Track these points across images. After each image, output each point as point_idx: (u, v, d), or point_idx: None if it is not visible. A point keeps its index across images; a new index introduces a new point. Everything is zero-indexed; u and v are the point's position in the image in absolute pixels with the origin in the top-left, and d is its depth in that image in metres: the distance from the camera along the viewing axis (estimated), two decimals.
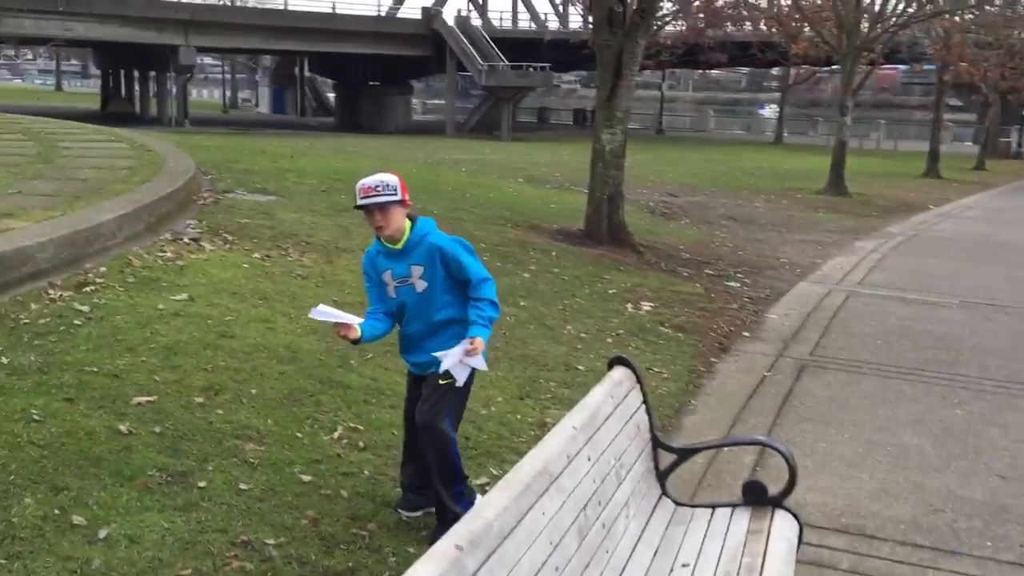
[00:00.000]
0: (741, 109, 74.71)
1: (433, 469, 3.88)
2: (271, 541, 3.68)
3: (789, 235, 14.58)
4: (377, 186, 3.66)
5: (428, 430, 3.84)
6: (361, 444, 4.74)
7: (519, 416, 5.51)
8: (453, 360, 3.77)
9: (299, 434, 4.72)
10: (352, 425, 4.93)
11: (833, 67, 31.45)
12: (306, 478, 4.27)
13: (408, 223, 3.79)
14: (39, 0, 38.75)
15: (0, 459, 3.84)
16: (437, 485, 3.89)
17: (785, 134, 47.15)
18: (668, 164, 26.56)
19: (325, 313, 3.64)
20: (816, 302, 9.44)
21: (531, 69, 46.75)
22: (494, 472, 4.69)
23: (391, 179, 3.71)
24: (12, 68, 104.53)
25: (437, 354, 3.79)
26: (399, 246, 3.78)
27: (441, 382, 3.83)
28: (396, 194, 3.68)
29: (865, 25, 21.69)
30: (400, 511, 4.08)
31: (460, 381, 3.81)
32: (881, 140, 45.00)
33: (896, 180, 26.61)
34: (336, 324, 3.68)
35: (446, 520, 3.76)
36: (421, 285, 3.80)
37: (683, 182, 21.54)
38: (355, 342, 3.76)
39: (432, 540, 3.68)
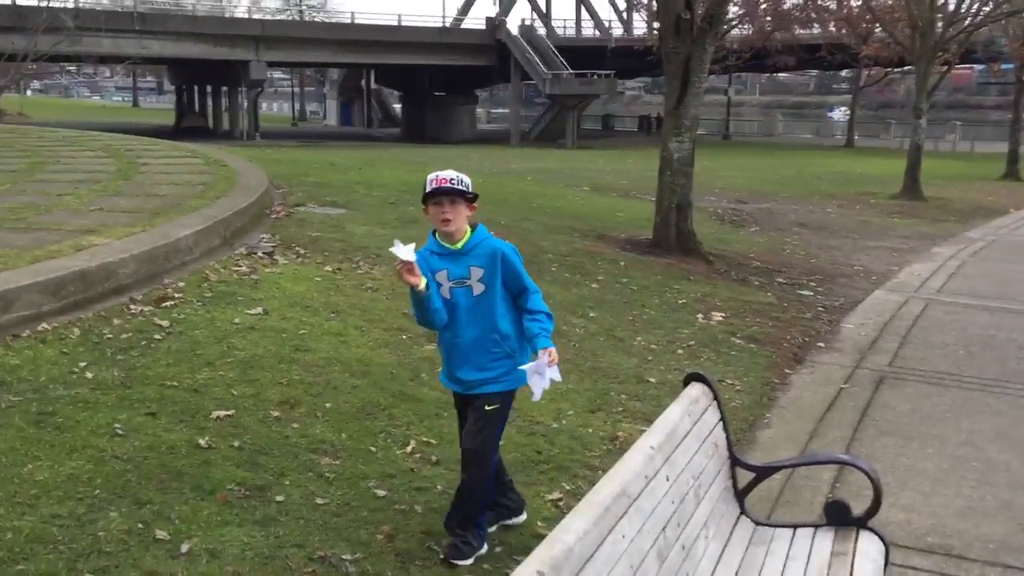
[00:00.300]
0: (810, 112, 73.52)
1: (468, 493, 3.84)
2: (348, 556, 3.71)
3: (863, 241, 14.26)
4: (452, 179, 3.59)
5: (478, 457, 3.79)
6: (434, 458, 4.75)
7: (590, 430, 5.47)
8: (539, 371, 3.59)
9: (373, 448, 4.76)
10: (425, 439, 4.95)
11: (906, 68, 30.78)
12: (381, 493, 4.29)
13: (468, 227, 3.72)
14: (117, 19, 40.11)
15: (86, 473, 3.94)
16: (469, 506, 3.85)
17: (856, 137, 46.23)
18: (736, 170, 26.23)
19: (401, 250, 3.42)
20: (893, 311, 9.20)
21: (595, 76, 46.69)
22: (566, 487, 4.67)
23: (465, 176, 3.66)
24: (91, 85, 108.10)
25: (523, 366, 3.62)
26: (459, 246, 3.69)
27: (488, 408, 3.76)
28: (468, 190, 3.62)
29: (940, 25, 21.15)
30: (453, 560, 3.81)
31: (537, 396, 3.68)
32: (957, 142, 43.82)
33: (973, 183, 25.85)
34: (404, 262, 3.44)
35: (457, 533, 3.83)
36: (479, 288, 3.70)
37: (752, 188, 21.23)
38: (418, 297, 3.56)
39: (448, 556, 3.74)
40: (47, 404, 4.50)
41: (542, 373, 3.59)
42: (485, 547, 3.89)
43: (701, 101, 11.35)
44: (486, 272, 3.69)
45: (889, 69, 37.57)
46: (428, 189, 3.59)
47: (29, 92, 78.89)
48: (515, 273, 3.73)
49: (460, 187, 3.59)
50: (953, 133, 44.65)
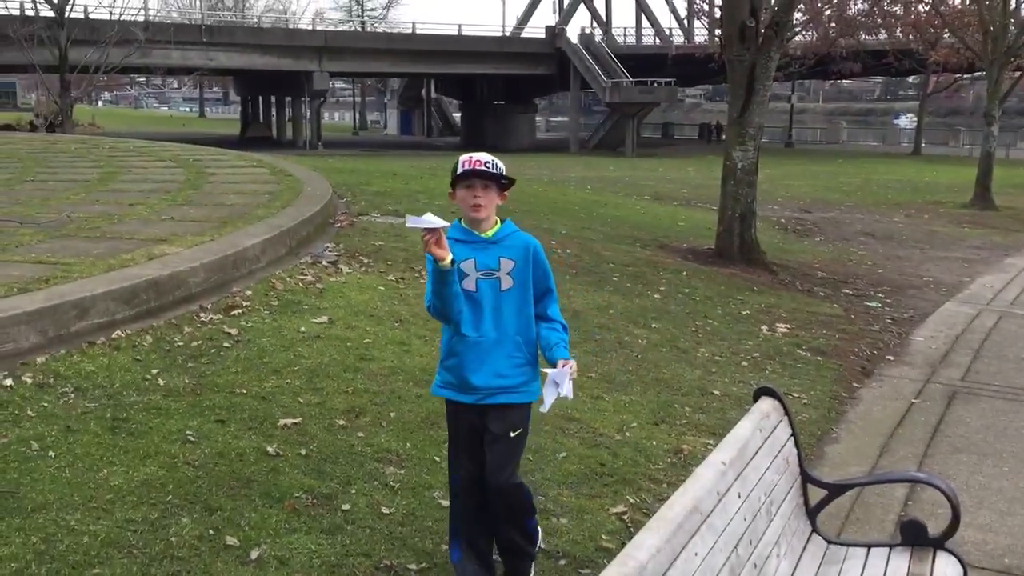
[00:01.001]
0: (875, 119, 72.20)
1: (510, 524, 3.57)
2: (413, 567, 3.72)
3: (932, 252, 13.93)
4: (488, 162, 3.29)
5: (513, 493, 3.50)
6: None
7: (654, 442, 5.42)
8: (557, 380, 3.30)
9: (437, 458, 4.77)
10: None
11: (976, 74, 30.01)
12: (445, 503, 4.29)
13: (496, 217, 3.44)
14: (185, 32, 41.14)
15: (159, 479, 4.02)
16: (512, 535, 3.59)
17: (924, 145, 45.24)
18: (799, 179, 25.85)
19: (419, 220, 3.10)
20: (965, 324, 8.96)
21: (655, 84, 46.46)
22: (631, 500, 4.63)
23: (499, 161, 3.36)
24: (159, 96, 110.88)
25: (550, 371, 3.31)
26: (489, 234, 3.39)
27: (513, 435, 3.43)
28: (503, 175, 3.33)
29: (1013, 30, 20.60)
30: None
31: (547, 407, 3.34)
32: None
33: None
34: (427, 231, 3.09)
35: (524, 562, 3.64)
36: (508, 282, 3.37)
37: (816, 197, 20.91)
38: (442, 270, 3.18)
39: None
40: (121, 410, 4.61)
41: (560, 383, 3.30)
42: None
43: (766, 109, 11.22)
44: (517, 266, 3.38)
45: (958, 75, 36.68)
46: (459, 171, 3.29)
47: (100, 103, 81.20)
48: (545, 273, 3.46)
49: (494, 171, 3.29)
50: None
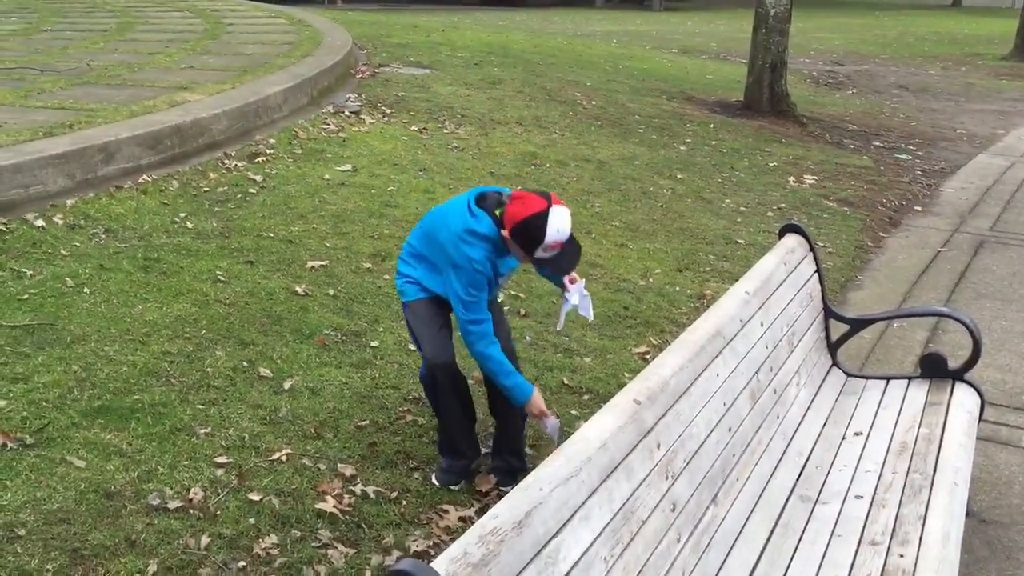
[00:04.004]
0: None
1: (516, 422, 3.38)
2: None
3: (967, 104, 13.56)
4: (568, 249, 2.90)
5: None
6: (522, 311, 4.82)
7: (677, 288, 5.46)
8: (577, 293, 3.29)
9: None
10: (513, 292, 5.01)
11: None
12: None
13: None
14: None
15: (192, 315, 4.12)
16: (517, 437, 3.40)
17: None
18: (833, 31, 24.96)
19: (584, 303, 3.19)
20: (997, 175, 8.81)
21: None
22: (653, 342, 4.70)
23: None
24: None
25: (569, 282, 3.27)
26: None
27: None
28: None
29: None
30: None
31: (561, 324, 3.44)
32: None
33: None
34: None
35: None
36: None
37: (849, 50, 20.23)
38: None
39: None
40: (152, 251, 4.67)
41: (569, 298, 3.29)
42: None
43: None
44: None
45: None
46: (538, 255, 2.85)
47: None
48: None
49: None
50: None
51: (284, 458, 3.24)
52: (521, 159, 7.55)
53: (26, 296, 4.01)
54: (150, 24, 11.65)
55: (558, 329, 3.44)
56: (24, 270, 4.22)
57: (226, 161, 6.13)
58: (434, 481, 3.29)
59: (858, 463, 2.82)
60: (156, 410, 3.38)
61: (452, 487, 3.28)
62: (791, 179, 8.21)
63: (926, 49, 20.97)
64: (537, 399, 3.10)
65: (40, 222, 4.69)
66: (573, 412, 3.92)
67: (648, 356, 4.49)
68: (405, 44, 12.88)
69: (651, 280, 5.52)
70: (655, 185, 7.49)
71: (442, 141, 7.73)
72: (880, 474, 2.72)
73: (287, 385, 3.71)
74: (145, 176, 5.54)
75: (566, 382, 4.15)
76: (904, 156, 9.70)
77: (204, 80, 7.61)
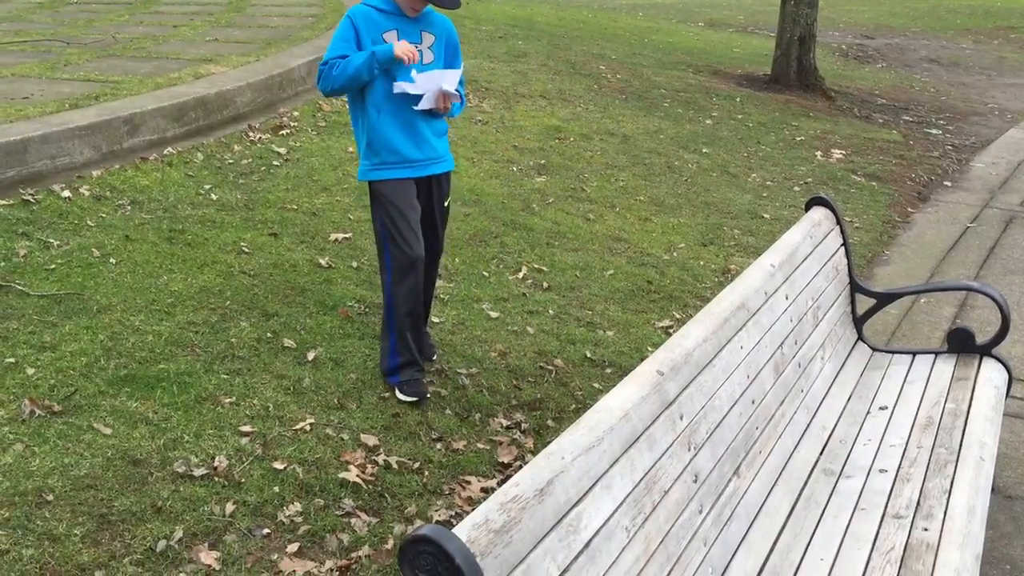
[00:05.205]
0: None
1: (430, 289, 3.78)
2: (463, 371, 3.84)
3: (999, 79, 13.33)
4: None
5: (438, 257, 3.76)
6: (545, 284, 4.81)
7: (702, 262, 5.43)
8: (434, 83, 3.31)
9: (485, 273, 4.84)
10: (536, 266, 5.00)
11: None
12: (494, 314, 4.39)
13: None
14: None
15: (217, 286, 4.14)
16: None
17: None
18: (862, 4, 24.57)
19: (416, 86, 3.28)
20: None
21: None
22: (677, 315, 4.68)
23: None
24: None
25: (417, 75, 3.30)
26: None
27: (448, 204, 3.66)
28: None
29: None
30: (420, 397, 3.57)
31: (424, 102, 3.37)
32: None
33: None
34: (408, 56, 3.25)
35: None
36: (429, 56, 3.40)
37: (879, 23, 19.92)
38: (388, 62, 3.25)
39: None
40: (177, 222, 4.70)
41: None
42: None
43: None
44: (437, 40, 3.43)
45: None
46: None
47: None
48: (456, 50, 3.51)
49: None
50: None
51: (308, 428, 3.27)
52: (545, 132, 7.51)
53: (53, 266, 4.05)
54: None
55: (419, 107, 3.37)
56: (51, 240, 4.26)
57: (250, 133, 6.14)
58: (401, 396, 3.51)
59: (883, 437, 2.80)
60: (181, 379, 3.41)
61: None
62: (818, 153, 8.12)
63: (958, 22, 20.60)
64: (401, 44, 3.25)
65: (67, 193, 4.72)
66: (595, 385, 3.92)
67: (671, 330, 4.47)
68: None
69: (675, 254, 5.49)
70: (680, 159, 7.44)
71: (465, 114, 7.69)
72: (905, 448, 2.70)
73: (311, 356, 3.73)
74: (170, 148, 5.56)
75: (589, 355, 4.15)
76: (934, 131, 9.57)
77: (228, 52, 7.61)
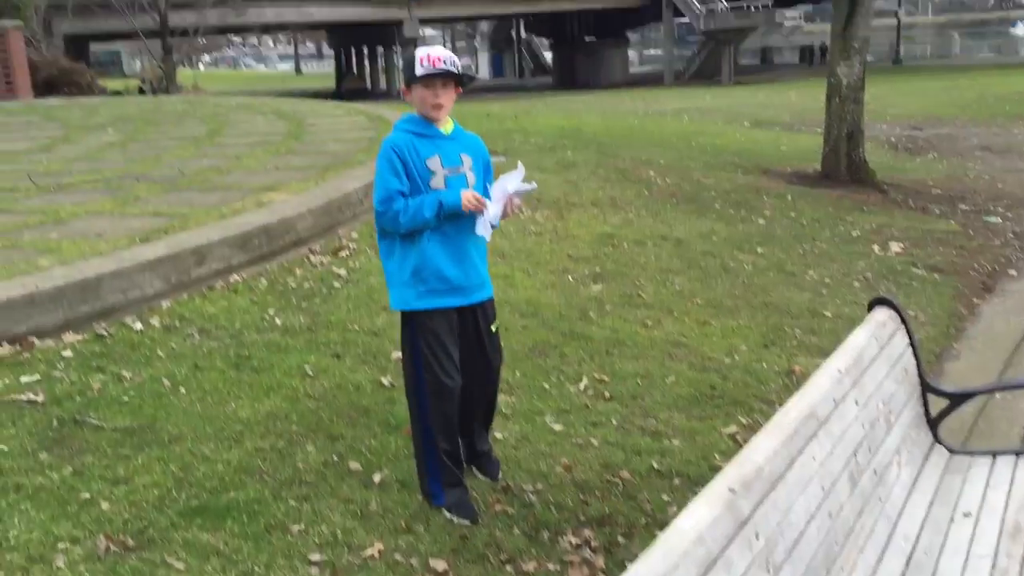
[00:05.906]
0: (990, 30, 68.05)
1: (490, 410, 3.86)
2: (529, 487, 3.80)
3: None
4: (447, 59, 3.27)
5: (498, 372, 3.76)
6: (607, 394, 4.79)
7: (764, 365, 5.36)
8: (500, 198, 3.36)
9: (546, 385, 4.83)
10: (597, 376, 4.99)
11: None
12: (557, 427, 4.37)
13: None
14: None
15: (283, 411, 4.20)
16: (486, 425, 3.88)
17: None
18: (909, 96, 24.71)
19: (519, 184, 3.36)
20: None
21: (752, 8, 44.81)
22: (743, 421, 4.60)
23: (456, 57, 3.35)
24: (256, 56, 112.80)
25: (491, 195, 3.36)
26: (447, 131, 3.42)
27: (495, 328, 3.64)
28: (460, 72, 3.32)
29: None
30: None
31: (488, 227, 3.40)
32: None
33: None
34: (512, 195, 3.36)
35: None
36: (472, 178, 3.41)
37: (927, 114, 19.99)
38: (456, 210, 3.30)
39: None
40: (243, 348, 4.81)
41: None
42: None
43: (871, 21, 10.74)
44: (475, 161, 3.46)
45: None
46: (420, 71, 3.25)
47: (201, 66, 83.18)
48: (489, 166, 3.55)
49: (455, 69, 3.28)
50: None
51: (376, 554, 3.24)
52: (598, 240, 7.59)
53: (126, 399, 4.15)
54: (237, 128, 12.19)
55: (477, 232, 3.39)
56: (124, 373, 4.38)
57: (311, 257, 6.32)
58: (451, 516, 3.47)
59: (969, 548, 2.69)
60: (251, 507, 3.43)
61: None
62: (876, 247, 8.06)
63: (1007, 109, 20.56)
64: (467, 193, 3.28)
65: (138, 325, 4.88)
66: (664, 497, 3.84)
67: (738, 436, 4.39)
68: (480, 133, 13.20)
69: (737, 358, 5.43)
70: (735, 260, 7.43)
71: (519, 226, 7.83)
72: (995, 559, 2.59)
73: (376, 478, 3.73)
74: (235, 275, 5.74)
75: (655, 466, 4.08)
76: (993, 219, 9.45)
77: (288, 179, 7.89)
